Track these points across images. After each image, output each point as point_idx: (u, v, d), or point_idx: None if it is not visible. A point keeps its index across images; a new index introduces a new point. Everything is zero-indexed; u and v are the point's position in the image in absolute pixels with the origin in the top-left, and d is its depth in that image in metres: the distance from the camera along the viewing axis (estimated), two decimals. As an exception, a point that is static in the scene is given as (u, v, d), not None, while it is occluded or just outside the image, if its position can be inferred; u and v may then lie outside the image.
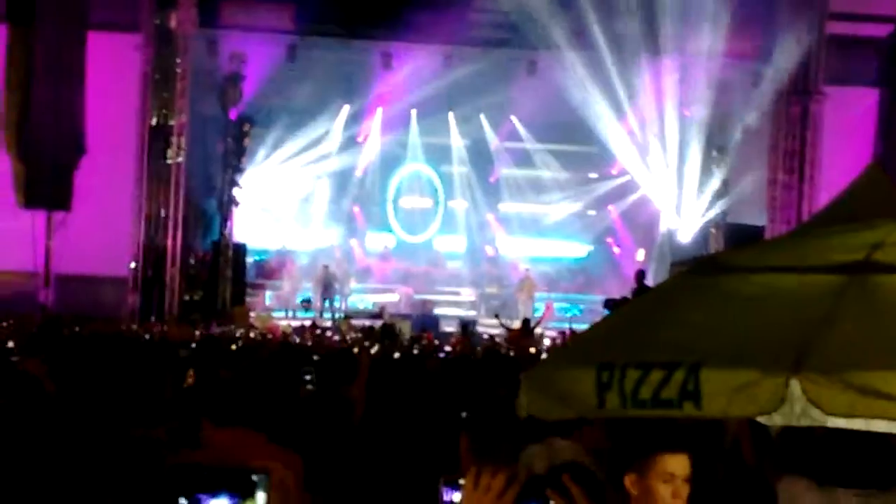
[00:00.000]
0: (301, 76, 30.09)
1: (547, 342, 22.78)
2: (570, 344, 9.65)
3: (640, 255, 32.45)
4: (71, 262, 24.76)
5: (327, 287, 31.29)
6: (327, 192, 34.21)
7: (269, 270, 32.46)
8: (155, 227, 26.67)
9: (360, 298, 32.79)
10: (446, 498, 4.34)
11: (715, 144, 29.73)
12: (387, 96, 31.85)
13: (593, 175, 34.60)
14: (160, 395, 6.85)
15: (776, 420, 3.49)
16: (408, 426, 6.83)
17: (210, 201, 29.16)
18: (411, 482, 5.54)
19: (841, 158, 25.63)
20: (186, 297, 27.25)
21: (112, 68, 25.78)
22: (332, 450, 6.39)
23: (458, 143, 34.53)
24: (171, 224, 26.65)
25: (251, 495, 4.07)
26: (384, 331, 22.24)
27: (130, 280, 26.19)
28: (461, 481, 3.09)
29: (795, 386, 3.39)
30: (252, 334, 21.23)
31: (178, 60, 26.83)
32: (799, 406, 3.39)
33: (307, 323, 25.69)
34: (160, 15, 26.74)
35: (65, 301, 24.39)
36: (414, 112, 33.10)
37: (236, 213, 29.09)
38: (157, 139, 26.75)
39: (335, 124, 32.71)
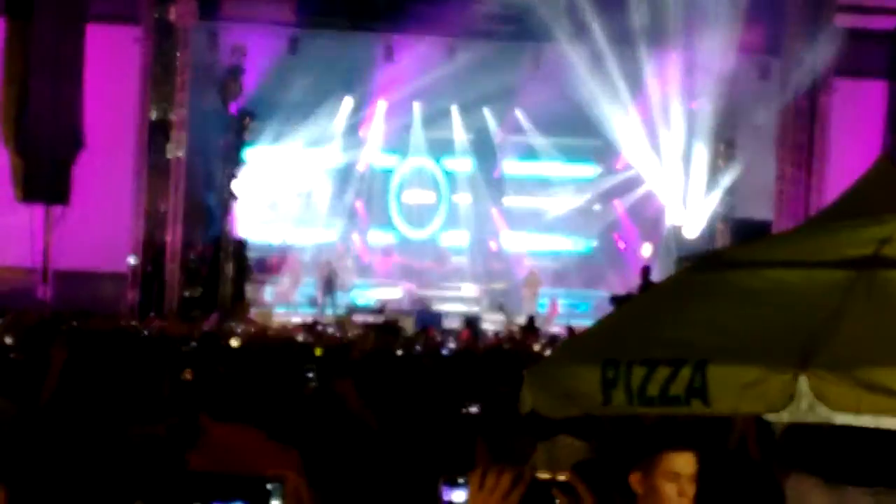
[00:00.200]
0: (302, 69, 30.00)
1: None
2: (575, 340, 9.61)
3: (646, 250, 32.41)
4: (69, 257, 24.72)
5: (329, 283, 31.27)
6: (329, 187, 34.15)
7: (270, 266, 32.42)
8: (154, 222, 26.67)
9: (362, 294, 32.77)
10: (446, 497, 4.28)
11: (722, 138, 29.67)
12: (389, 89, 31.79)
13: (598, 169, 34.57)
14: (159, 392, 6.83)
15: (784, 417, 3.46)
16: (408, 423, 6.79)
17: (210, 196, 29.11)
18: (411, 480, 5.50)
19: (849, 152, 25.57)
20: (186, 293, 27.23)
21: (111, 61, 25.73)
22: (329, 446, 6.36)
23: (461, 136, 34.42)
24: (170, 219, 26.65)
25: (265, 503, 4.14)
26: (385, 327, 22.18)
27: (130, 275, 26.13)
28: (461, 480, 3.06)
29: (803, 382, 3.36)
30: (252, 330, 21.19)
31: (178, 53, 26.85)
32: (806, 402, 3.37)
33: (308, 319, 25.65)
34: (160, 7, 26.75)
35: (63, 297, 24.33)
36: (417, 105, 33.05)
37: (237, 207, 29.07)
38: (157, 133, 26.75)
39: (337, 118, 32.69)
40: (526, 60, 30.09)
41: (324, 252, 32.74)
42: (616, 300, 23.18)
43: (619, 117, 29.44)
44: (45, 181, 24.40)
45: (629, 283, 28.17)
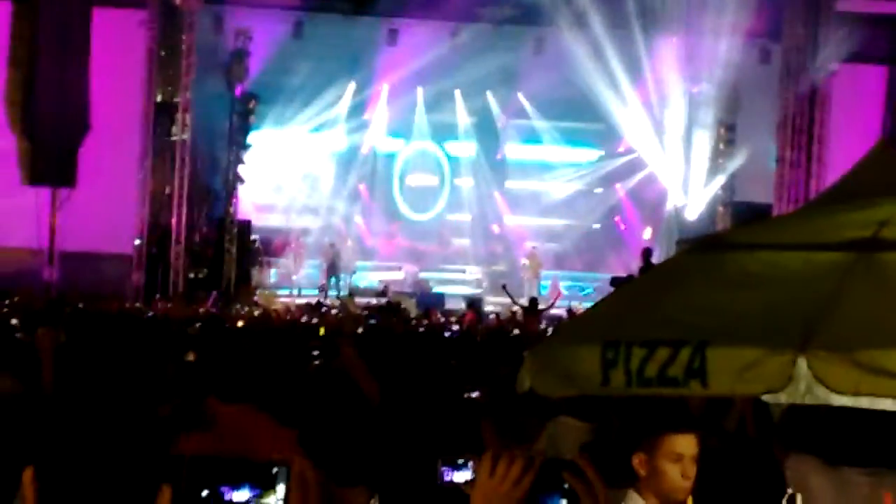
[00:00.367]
0: (307, 53, 30.04)
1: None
2: (575, 321, 9.63)
3: (647, 233, 32.43)
4: (75, 239, 24.73)
5: (333, 265, 31.34)
6: (333, 170, 34.17)
7: (274, 248, 32.42)
8: (159, 205, 26.67)
9: (365, 276, 32.81)
10: (446, 478, 4.33)
11: (723, 122, 29.62)
12: (393, 73, 31.78)
13: (600, 152, 34.55)
14: (163, 373, 6.85)
15: (782, 398, 3.46)
16: (409, 401, 6.81)
17: (215, 178, 29.10)
18: (410, 459, 5.52)
19: (849, 136, 25.53)
20: (191, 275, 27.24)
21: (117, 45, 25.71)
22: (330, 425, 6.39)
23: (464, 120, 34.44)
24: (175, 201, 26.62)
25: (272, 487, 4.18)
26: (388, 308, 22.22)
27: (135, 258, 26.19)
28: (460, 461, 3.05)
29: (802, 364, 3.35)
30: (256, 312, 21.22)
31: (184, 37, 26.76)
32: (804, 384, 3.35)
33: (312, 301, 25.69)
34: (166, -9, 26.70)
35: (69, 278, 24.36)
36: (420, 89, 33.03)
37: (241, 190, 29.07)
38: (162, 116, 26.72)
39: (341, 101, 32.67)
40: (529, 44, 30.08)
41: (327, 234, 32.76)
42: (616, 282, 23.17)
43: (620, 101, 29.45)
44: (52, 164, 24.37)
45: (630, 265, 28.19)
